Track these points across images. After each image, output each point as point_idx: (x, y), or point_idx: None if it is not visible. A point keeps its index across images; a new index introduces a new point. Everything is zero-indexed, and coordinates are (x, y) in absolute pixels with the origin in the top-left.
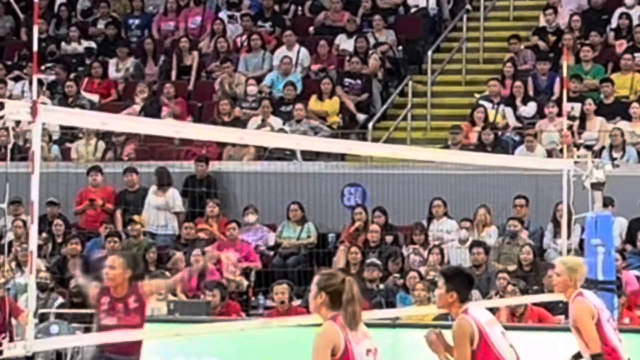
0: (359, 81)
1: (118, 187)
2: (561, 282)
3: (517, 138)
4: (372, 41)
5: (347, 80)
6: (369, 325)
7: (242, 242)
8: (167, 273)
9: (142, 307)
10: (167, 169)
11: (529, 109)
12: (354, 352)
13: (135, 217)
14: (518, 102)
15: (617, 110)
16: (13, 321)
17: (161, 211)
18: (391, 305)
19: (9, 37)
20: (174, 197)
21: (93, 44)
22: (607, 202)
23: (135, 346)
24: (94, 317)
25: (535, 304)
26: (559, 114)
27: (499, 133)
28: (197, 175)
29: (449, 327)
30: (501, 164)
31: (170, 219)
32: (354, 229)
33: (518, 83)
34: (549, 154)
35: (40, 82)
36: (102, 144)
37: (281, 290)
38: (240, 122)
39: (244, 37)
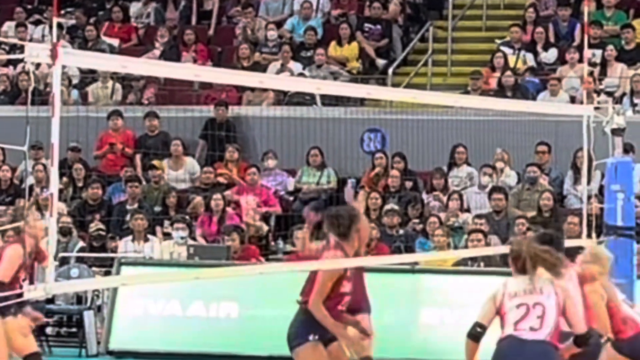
0: (379, 26)
1: (138, 132)
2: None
3: (537, 81)
4: None
5: (367, 26)
6: (388, 270)
7: (261, 187)
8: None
9: None
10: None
11: (550, 55)
12: None
13: (155, 162)
14: (539, 48)
15: (638, 56)
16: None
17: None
18: (410, 250)
19: None
20: (193, 164)
21: None
22: (628, 148)
23: None
24: None
25: None
26: (580, 60)
27: (518, 79)
28: (216, 120)
29: (467, 272)
30: (521, 109)
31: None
32: (374, 174)
33: (539, 29)
34: (572, 99)
35: (60, 25)
36: (118, 87)
37: (302, 235)
38: (260, 67)
39: None
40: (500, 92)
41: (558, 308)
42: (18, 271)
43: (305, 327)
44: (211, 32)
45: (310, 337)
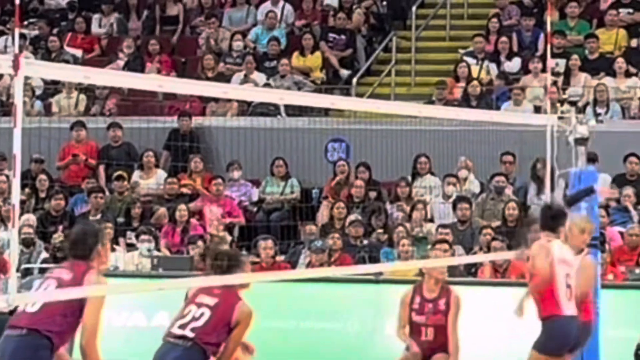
0: (342, 36)
1: (101, 142)
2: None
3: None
4: None
5: (330, 36)
6: (352, 281)
7: (225, 198)
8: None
9: None
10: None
11: (513, 65)
12: None
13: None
14: (502, 57)
15: (602, 66)
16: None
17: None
18: (374, 260)
19: None
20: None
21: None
22: (592, 158)
23: None
24: None
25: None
26: (543, 70)
27: (483, 89)
28: (180, 130)
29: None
30: (485, 119)
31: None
32: (335, 183)
33: (503, 39)
34: (537, 109)
35: (22, 36)
36: (83, 97)
37: (267, 245)
38: (224, 78)
39: None
40: (465, 102)
41: None
42: None
43: None
44: (175, 40)
45: None
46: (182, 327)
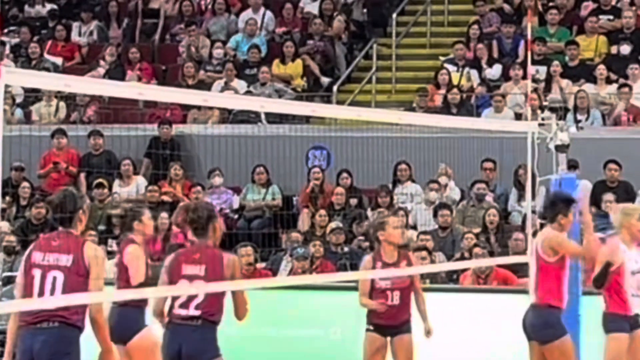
0: (323, 44)
1: (82, 150)
2: None
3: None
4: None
5: (310, 43)
6: (333, 288)
7: None
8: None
9: None
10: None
11: (494, 71)
12: None
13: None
14: (483, 64)
15: (582, 72)
16: None
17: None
18: (355, 267)
19: None
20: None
21: (56, 7)
22: (572, 165)
23: None
24: None
25: (500, 266)
26: (524, 77)
27: (464, 96)
28: (161, 138)
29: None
30: (466, 126)
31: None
32: (309, 190)
33: (482, 45)
34: (518, 116)
35: (2, 43)
36: (63, 105)
37: (246, 252)
38: (204, 85)
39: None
40: (446, 109)
41: None
42: None
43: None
44: (155, 48)
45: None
46: (184, 306)
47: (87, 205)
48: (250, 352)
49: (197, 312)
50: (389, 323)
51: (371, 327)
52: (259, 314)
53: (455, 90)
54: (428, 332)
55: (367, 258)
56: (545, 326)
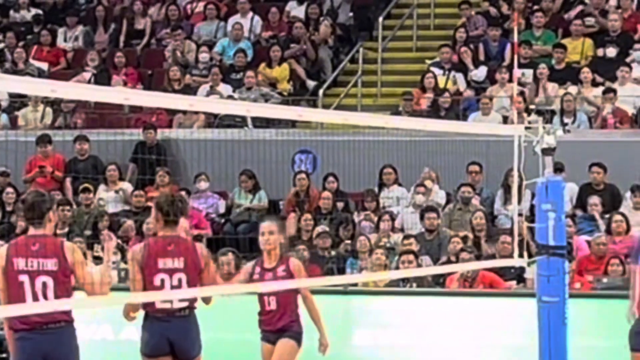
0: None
1: (67, 156)
2: None
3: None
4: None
5: (296, 46)
6: (320, 292)
7: (192, 210)
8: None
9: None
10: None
11: (480, 74)
12: None
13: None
14: (469, 66)
15: (568, 75)
16: None
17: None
18: (342, 271)
19: None
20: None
21: (41, 12)
22: (558, 168)
23: None
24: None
25: (486, 270)
26: (510, 80)
27: (450, 99)
28: (146, 143)
29: (399, 293)
30: (452, 129)
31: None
32: (292, 194)
33: (468, 49)
34: (504, 119)
35: None
36: (49, 110)
37: (227, 260)
38: (190, 90)
39: (194, 4)
40: (433, 112)
41: None
42: None
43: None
44: (140, 53)
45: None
46: (167, 300)
47: (55, 207)
48: (235, 358)
49: (184, 304)
50: (269, 329)
51: (260, 335)
52: (244, 318)
53: (446, 94)
54: (322, 346)
55: (250, 263)
56: None
